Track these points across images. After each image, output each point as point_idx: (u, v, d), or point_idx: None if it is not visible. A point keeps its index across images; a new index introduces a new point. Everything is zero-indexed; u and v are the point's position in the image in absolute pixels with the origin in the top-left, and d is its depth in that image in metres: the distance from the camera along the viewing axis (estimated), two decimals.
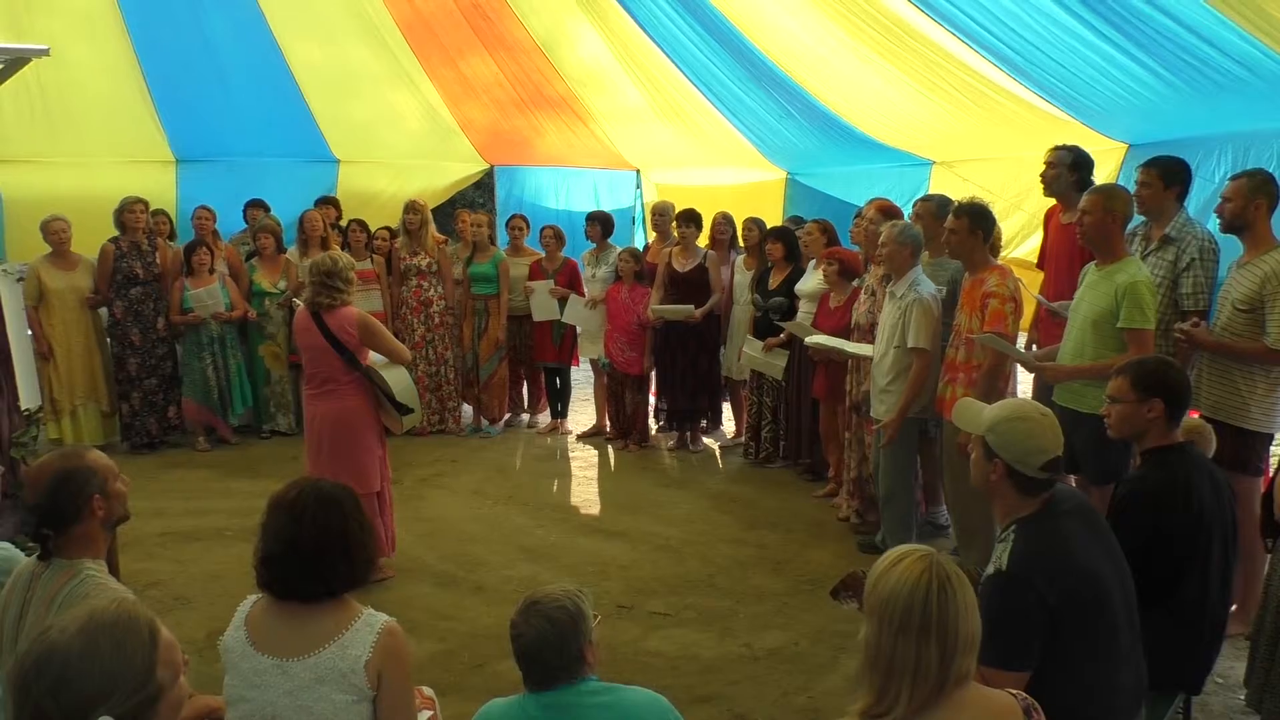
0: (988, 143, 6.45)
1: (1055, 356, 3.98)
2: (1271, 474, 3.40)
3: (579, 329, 7.16)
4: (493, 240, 7.53)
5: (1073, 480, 3.96)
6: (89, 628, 1.45)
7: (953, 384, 4.31)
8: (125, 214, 6.72)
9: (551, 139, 9.28)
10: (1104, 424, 2.95)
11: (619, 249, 7.03)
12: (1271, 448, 3.94)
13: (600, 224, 7.11)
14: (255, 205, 7.75)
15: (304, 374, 4.79)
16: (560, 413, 7.47)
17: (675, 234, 6.70)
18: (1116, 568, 2.38)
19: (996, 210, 4.61)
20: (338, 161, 9.05)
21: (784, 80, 6.70)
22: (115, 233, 6.78)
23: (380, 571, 4.37)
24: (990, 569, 2.33)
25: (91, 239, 6.79)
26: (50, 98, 7.40)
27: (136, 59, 7.54)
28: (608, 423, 7.19)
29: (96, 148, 8.01)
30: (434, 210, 7.65)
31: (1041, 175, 4.76)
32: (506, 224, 7.60)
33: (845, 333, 5.26)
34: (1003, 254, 5.24)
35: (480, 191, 10.13)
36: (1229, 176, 4.01)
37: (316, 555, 2.12)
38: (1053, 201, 4.88)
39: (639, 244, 9.11)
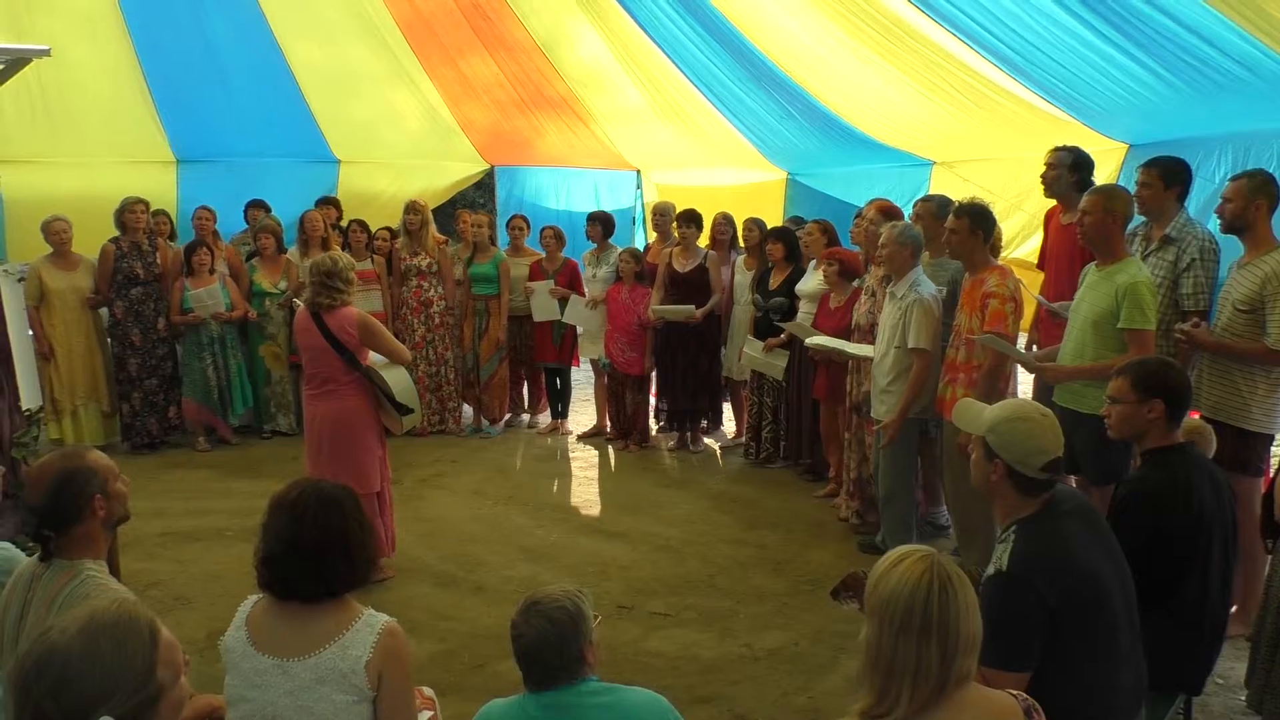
0: (988, 143, 6.45)
1: (1055, 357, 3.98)
2: (1272, 475, 3.40)
3: (579, 329, 7.16)
4: (493, 240, 7.54)
5: (1073, 481, 3.96)
6: (90, 628, 1.45)
7: (953, 384, 4.31)
8: (126, 214, 6.73)
9: (552, 139, 9.28)
10: (1104, 424, 2.95)
11: (619, 249, 7.03)
12: (1272, 448, 3.94)
13: (601, 224, 7.11)
14: (256, 205, 7.76)
15: (304, 374, 4.80)
16: (561, 413, 7.47)
17: (676, 234, 6.70)
18: (1117, 568, 2.38)
19: (997, 211, 4.61)
20: (338, 162, 9.05)
21: (784, 81, 6.71)
22: (116, 233, 6.79)
23: (380, 572, 4.37)
24: (991, 569, 2.33)
25: (92, 239, 6.80)
26: (51, 98, 7.40)
27: (137, 59, 7.54)
28: (608, 423, 7.19)
29: (97, 148, 8.01)
30: (434, 210, 7.66)
31: (1042, 176, 4.77)
32: (507, 224, 7.60)
33: (846, 333, 5.26)
34: (1003, 254, 5.24)
35: (481, 192, 10.14)
36: (1229, 177, 4.01)
37: (317, 555, 2.12)
38: (1053, 202, 4.88)
39: (639, 244, 9.11)
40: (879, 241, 4.75)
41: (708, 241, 6.86)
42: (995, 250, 4.57)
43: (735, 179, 8.87)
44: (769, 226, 6.50)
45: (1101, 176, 4.96)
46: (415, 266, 7.09)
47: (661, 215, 7.04)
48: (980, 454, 2.44)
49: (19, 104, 7.22)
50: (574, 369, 7.58)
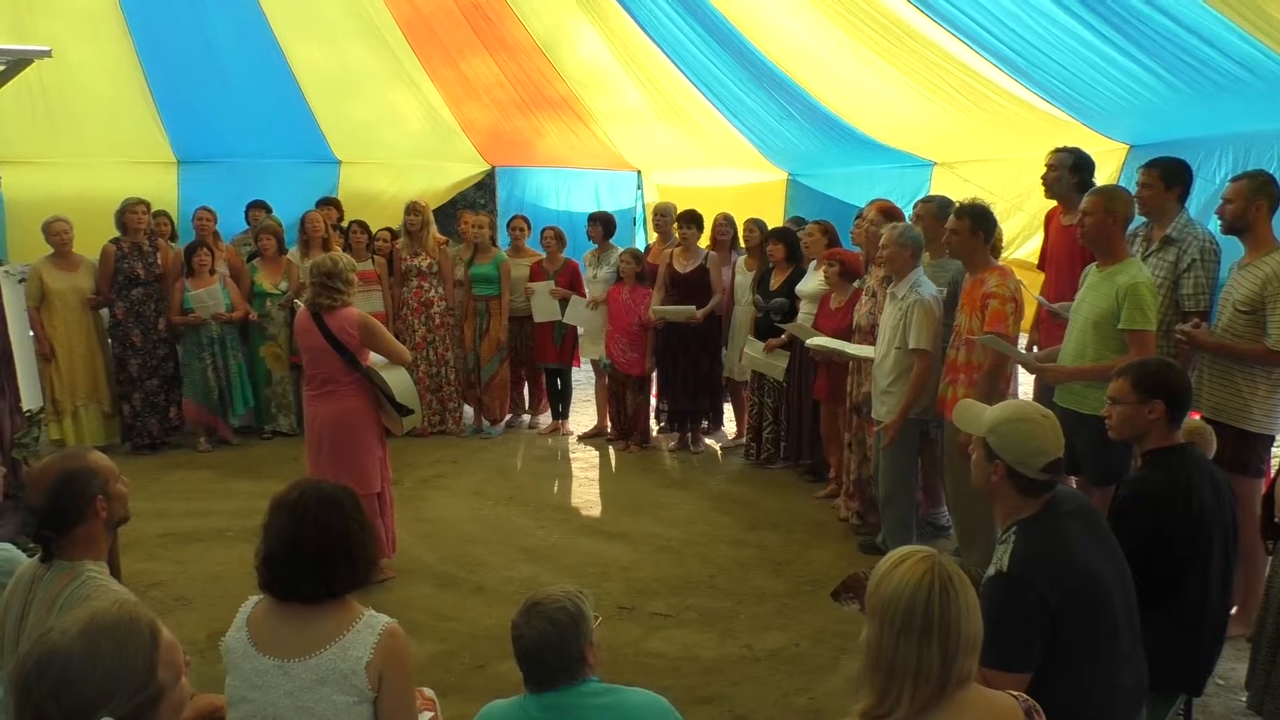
0: (989, 144, 6.45)
1: (1056, 358, 3.98)
2: (1272, 475, 3.40)
3: (580, 330, 7.16)
4: (494, 241, 7.54)
5: (1073, 481, 3.96)
6: (90, 629, 1.45)
7: (954, 385, 4.31)
8: (127, 215, 6.74)
9: (552, 140, 9.28)
10: (1105, 425, 2.95)
11: (620, 250, 7.03)
12: (1272, 449, 3.94)
13: (601, 225, 7.11)
14: (257, 206, 7.76)
15: (304, 375, 4.80)
16: (561, 414, 7.47)
17: (676, 235, 6.71)
18: (1117, 569, 2.38)
19: (997, 211, 4.61)
20: (339, 162, 9.05)
21: (785, 81, 6.71)
22: (116, 234, 6.79)
23: (381, 572, 4.37)
24: (991, 570, 2.33)
25: (93, 240, 6.80)
26: (52, 99, 7.40)
27: (138, 60, 7.55)
28: (609, 424, 7.19)
29: (98, 149, 8.02)
30: (435, 211, 7.66)
31: (1043, 177, 4.77)
32: (508, 225, 7.61)
33: (846, 334, 5.27)
34: (1004, 255, 5.24)
35: (481, 192, 10.14)
36: (1230, 178, 4.01)
37: (318, 556, 2.12)
38: (1053, 203, 4.88)
39: (640, 245, 9.10)
40: (879, 242, 4.75)
41: (708, 242, 6.86)
42: (996, 251, 4.57)
43: (736, 179, 8.87)
44: (770, 227, 6.50)
45: (1102, 177, 4.96)
46: (416, 267, 7.09)
47: (662, 216, 7.04)
48: (981, 455, 2.44)
49: (20, 104, 7.21)
50: (575, 369, 7.58)
